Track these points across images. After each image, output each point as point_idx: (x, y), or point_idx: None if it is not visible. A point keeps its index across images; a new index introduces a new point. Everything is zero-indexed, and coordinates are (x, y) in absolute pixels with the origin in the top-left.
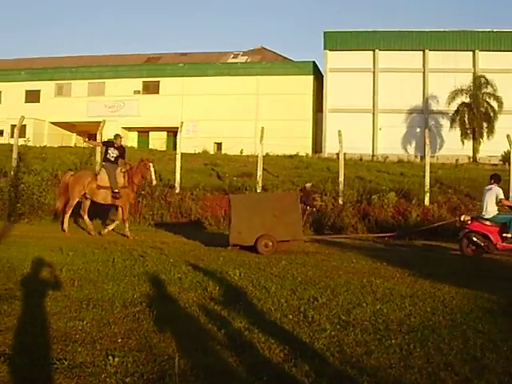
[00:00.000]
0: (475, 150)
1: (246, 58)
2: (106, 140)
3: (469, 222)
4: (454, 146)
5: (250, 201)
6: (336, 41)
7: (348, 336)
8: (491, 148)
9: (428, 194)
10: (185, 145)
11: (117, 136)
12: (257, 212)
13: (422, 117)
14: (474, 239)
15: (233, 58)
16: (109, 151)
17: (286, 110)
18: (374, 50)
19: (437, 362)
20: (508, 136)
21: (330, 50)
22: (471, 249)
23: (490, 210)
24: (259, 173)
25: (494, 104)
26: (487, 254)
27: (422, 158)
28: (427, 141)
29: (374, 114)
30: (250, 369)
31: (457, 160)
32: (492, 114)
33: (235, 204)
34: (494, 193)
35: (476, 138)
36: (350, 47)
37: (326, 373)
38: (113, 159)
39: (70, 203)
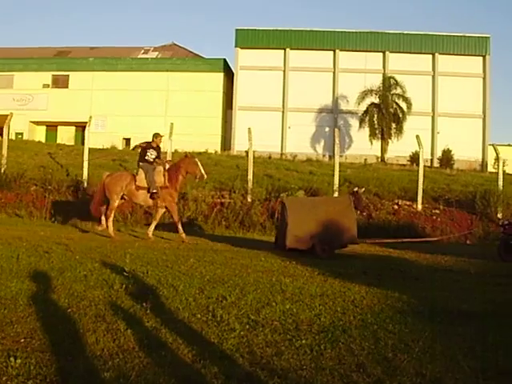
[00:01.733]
0: (383, 150)
1: (156, 53)
2: (145, 142)
3: (506, 227)
4: (362, 145)
5: (305, 204)
6: (247, 38)
7: (258, 336)
8: (399, 148)
9: (337, 193)
10: (93, 140)
11: (157, 135)
12: (313, 216)
13: (332, 116)
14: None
15: (143, 53)
16: (148, 153)
17: (196, 107)
18: (285, 49)
19: (348, 363)
20: (417, 136)
21: (242, 48)
22: (507, 252)
23: None
24: None
25: (403, 105)
26: None
27: (331, 157)
28: (337, 140)
29: (283, 112)
30: (157, 370)
31: (365, 160)
32: (401, 115)
33: (291, 208)
34: None
35: (384, 138)
36: (262, 45)
37: (236, 374)
38: (151, 160)
39: (110, 206)
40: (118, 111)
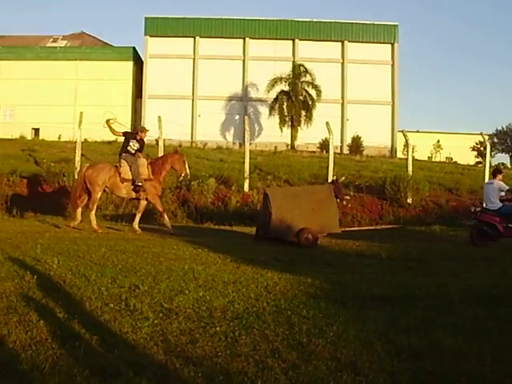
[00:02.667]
0: (293, 138)
1: (65, 42)
2: (128, 131)
3: (478, 214)
4: (272, 133)
5: (287, 195)
6: (157, 27)
7: (171, 324)
8: (309, 135)
9: (247, 181)
10: (1, 130)
11: (144, 129)
12: (296, 205)
13: (242, 104)
14: (484, 228)
15: (52, 42)
16: (130, 143)
17: (106, 96)
18: (194, 37)
19: (263, 349)
20: (327, 123)
21: (151, 36)
22: (479, 237)
23: (495, 202)
24: (77, 158)
25: (313, 92)
26: (493, 241)
27: (241, 144)
28: (247, 127)
29: (193, 100)
30: (70, 361)
31: (275, 147)
32: (310, 102)
33: (274, 198)
34: (496, 187)
35: (294, 125)
36: (171, 33)
37: (150, 363)
38: (133, 152)
39: (93, 198)
40: (26, 101)
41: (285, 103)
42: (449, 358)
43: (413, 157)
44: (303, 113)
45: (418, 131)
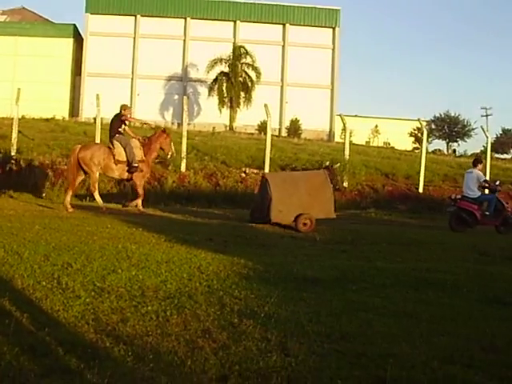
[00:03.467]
0: (232, 119)
1: (5, 17)
2: (118, 114)
3: (458, 201)
4: (211, 114)
5: (286, 180)
6: (97, 4)
7: (103, 303)
8: (248, 117)
9: (185, 161)
10: None
11: (126, 106)
12: (294, 191)
13: (181, 84)
14: (463, 215)
15: None
16: (122, 125)
17: (45, 73)
18: (135, 16)
19: (194, 329)
20: (266, 105)
21: (92, 14)
22: (457, 223)
23: (474, 190)
24: (14, 135)
25: (253, 74)
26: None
27: (180, 124)
28: (185, 107)
29: (133, 79)
30: (0, 339)
31: (214, 128)
32: (250, 84)
33: (274, 183)
34: (475, 176)
35: (233, 107)
36: (112, 11)
37: (81, 342)
38: (123, 131)
39: (93, 179)
40: None
41: (224, 84)
42: (378, 341)
43: (350, 141)
44: (242, 94)
45: (356, 116)
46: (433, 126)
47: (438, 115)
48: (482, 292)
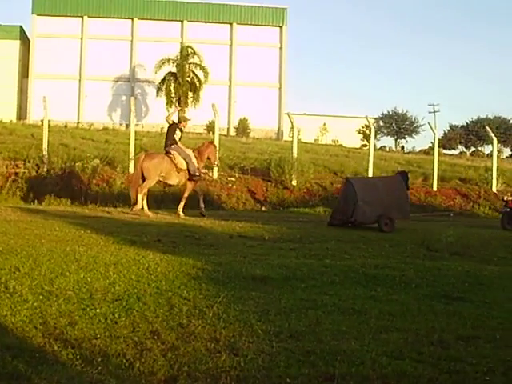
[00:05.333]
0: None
1: None
2: (174, 123)
3: (510, 202)
4: (159, 114)
5: (368, 183)
6: (44, 5)
7: (51, 306)
8: (196, 117)
9: (133, 162)
10: None
11: (185, 119)
12: (376, 194)
13: (129, 85)
14: None
15: None
16: (177, 131)
17: None
18: (82, 17)
19: (143, 331)
20: (213, 105)
21: (38, 15)
22: (509, 223)
23: None
24: None
25: (201, 74)
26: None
27: (128, 125)
28: (132, 108)
29: (80, 81)
30: None
31: (162, 128)
32: (198, 84)
33: (358, 186)
34: None
35: (181, 107)
36: (59, 13)
37: (29, 346)
38: (178, 141)
39: (147, 184)
40: None
41: (172, 84)
42: (328, 338)
43: (299, 139)
44: (190, 94)
45: (305, 114)
46: (381, 123)
47: (385, 112)
48: (431, 287)
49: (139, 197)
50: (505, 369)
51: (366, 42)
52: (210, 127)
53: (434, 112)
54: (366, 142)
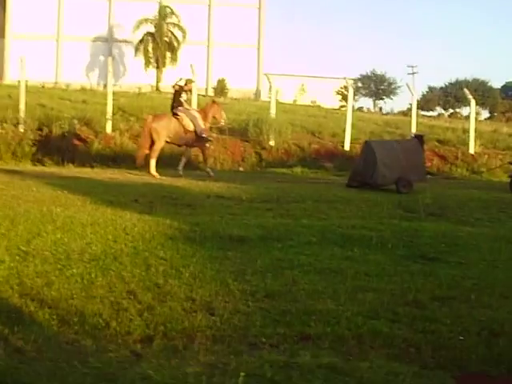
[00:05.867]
0: (158, 79)
1: None
2: (179, 87)
3: None
4: (137, 74)
5: (386, 147)
6: None
7: (28, 267)
8: (175, 77)
9: (110, 122)
10: None
11: (190, 81)
12: (394, 157)
13: (107, 45)
14: None
15: None
16: (182, 94)
17: None
18: None
19: (119, 291)
20: (191, 65)
21: None
22: None
23: None
24: None
25: (179, 34)
26: None
27: (106, 86)
28: (110, 68)
29: (58, 40)
30: None
31: (139, 88)
32: (176, 44)
33: (378, 149)
34: None
35: (159, 67)
36: None
37: (5, 306)
38: (185, 103)
39: (156, 147)
40: None
41: (150, 44)
42: (303, 298)
43: (277, 100)
44: (168, 54)
45: (283, 74)
46: (359, 85)
47: (364, 73)
48: (407, 248)
49: (152, 162)
50: (479, 329)
51: (345, 2)
52: None
53: (413, 73)
54: (344, 102)
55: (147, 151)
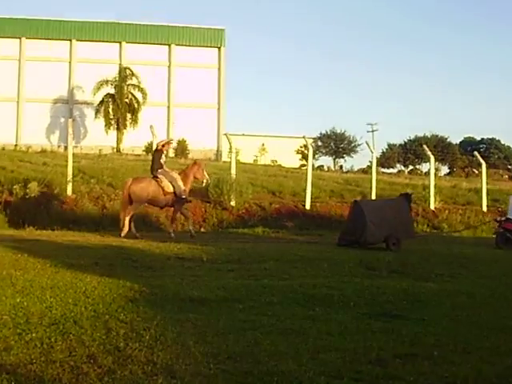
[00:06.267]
0: (119, 141)
1: None
2: (159, 148)
3: (503, 222)
4: (98, 136)
5: (375, 206)
6: None
7: None
8: (135, 139)
9: (71, 184)
10: None
11: (169, 142)
12: (383, 215)
13: (67, 107)
14: (507, 235)
15: None
16: (162, 156)
17: None
18: (20, 38)
19: (79, 355)
20: (151, 126)
21: None
22: (503, 242)
23: None
24: None
25: (139, 95)
26: None
27: (66, 147)
28: (70, 130)
29: (18, 102)
30: None
31: (100, 150)
32: (136, 105)
33: (367, 209)
34: None
35: (120, 128)
36: None
37: None
38: (164, 164)
39: (133, 207)
40: None
41: (110, 106)
42: (266, 359)
43: (237, 160)
44: (129, 116)
45: (243, 134)
46: (319, 143)
47: (324, 132)
48: (369, 306)
49: (126, 220)
50: None
51: (304, 62)
52: (149, 149)
53: (373, 131)
54: (304, 161)
55: (127, 213)
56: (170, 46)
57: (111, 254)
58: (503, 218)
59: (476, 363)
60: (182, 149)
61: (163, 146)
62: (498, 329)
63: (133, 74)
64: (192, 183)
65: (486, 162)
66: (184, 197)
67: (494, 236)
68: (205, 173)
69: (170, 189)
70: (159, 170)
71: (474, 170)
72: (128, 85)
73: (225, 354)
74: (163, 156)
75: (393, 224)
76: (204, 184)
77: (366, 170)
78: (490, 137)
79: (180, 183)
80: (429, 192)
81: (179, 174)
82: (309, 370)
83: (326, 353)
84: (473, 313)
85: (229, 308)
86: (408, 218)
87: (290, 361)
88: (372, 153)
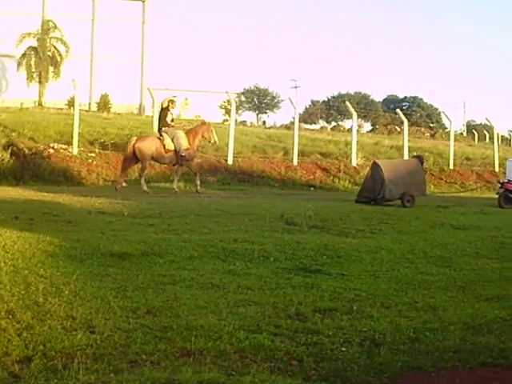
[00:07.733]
0: (41, 94)
1: None
2: (164, 107)
3: (505, 183)
4: (20, 89)
5: (392, 165)
6: None
7: None
8: (58, 92)
9: None
10: None
11: (173, 101)
12: (399, 174)
13: None
14: (509, 195)
15: None
16: (168, 114)
17: None
18: None
19: None
20: (73, 80)
21: None
22: (505, 202)
23: None
24: None
25: (62, 48)
26: None
27: None
28: None
29: None
30: None
31: (22, 104)
32: (59, 59)
33: (386, 168)
34: None
35: (42, 81)
36: None
37: None
38: (170, 123)
39: (143, 167)
40: None
41: (33, 59)
42: (185, 313)
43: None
44: (51, 69)
45: (167, 89)
46: (243, 98)
47: (247, 88)
48: (289, 261)
49: (142, 180)
50: (361, 339)
51: (229, 17)
52: (71, 102)
53: (296, 87)
54: (227, 116)
55: (126, 170)
56: None
57: (31, 208)
58: (505, 180)
59: (394, 318)
60: (104, 103)
61: (168, 105)
62: (417, 284)
63: (56, 27)
64: (200, 142)
65: (408, 120)
66: (183, 154)
67: (497, 196)
68: (214, 133)
69: (172, 146)
70: (163, 129)
71: (397, 127)
72: (51, 38)
73: (144, 308)
74: (169, 114)
75: (408, 182)
76: (211, 144)
77: (289, 126)
78: (413, 95)
79: (181, 141)
80: (351, 148)
81: (188, 132)
82: (228, 324)
83: (246, 307)
84: (392, 268)
85: (149, 262)
86: (421, 178)
87: (210, 315)
88: (295, 109)
